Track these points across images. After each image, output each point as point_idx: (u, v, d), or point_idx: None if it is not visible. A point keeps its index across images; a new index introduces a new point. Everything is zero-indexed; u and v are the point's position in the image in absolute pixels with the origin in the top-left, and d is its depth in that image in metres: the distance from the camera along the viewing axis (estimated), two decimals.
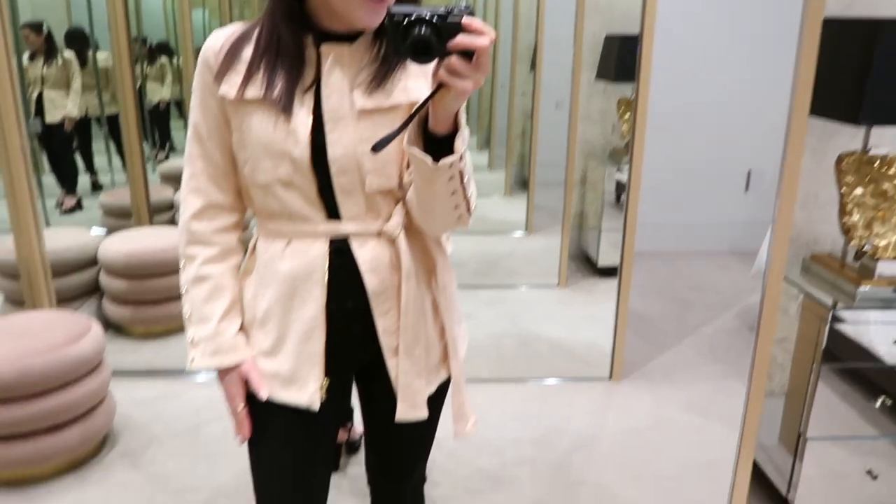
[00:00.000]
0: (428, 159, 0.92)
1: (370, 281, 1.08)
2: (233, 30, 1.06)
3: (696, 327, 3.29)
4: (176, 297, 3.09)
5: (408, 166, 1.04)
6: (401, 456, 1.28)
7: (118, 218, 3.78)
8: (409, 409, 1.12)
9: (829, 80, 1.94)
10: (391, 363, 1.12)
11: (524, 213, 4.27)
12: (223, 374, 1.12)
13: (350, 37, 1.04)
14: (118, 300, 3.07)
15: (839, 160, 2.04)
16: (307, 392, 1.09)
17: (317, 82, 1.03)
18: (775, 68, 3.98)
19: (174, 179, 4.32)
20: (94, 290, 3.20)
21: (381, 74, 1.03)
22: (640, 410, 2.58)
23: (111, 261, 3.01)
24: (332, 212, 1.06)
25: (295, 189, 1.04)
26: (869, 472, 1.94)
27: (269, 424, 1.13)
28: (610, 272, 3.47)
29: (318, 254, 1.07)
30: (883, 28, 1.84)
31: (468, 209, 1.02)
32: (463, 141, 0.93)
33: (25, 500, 2.07)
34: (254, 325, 1.12)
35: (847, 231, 2.01)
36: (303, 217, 1.06)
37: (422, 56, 0.83)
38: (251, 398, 1.12)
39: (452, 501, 2.07)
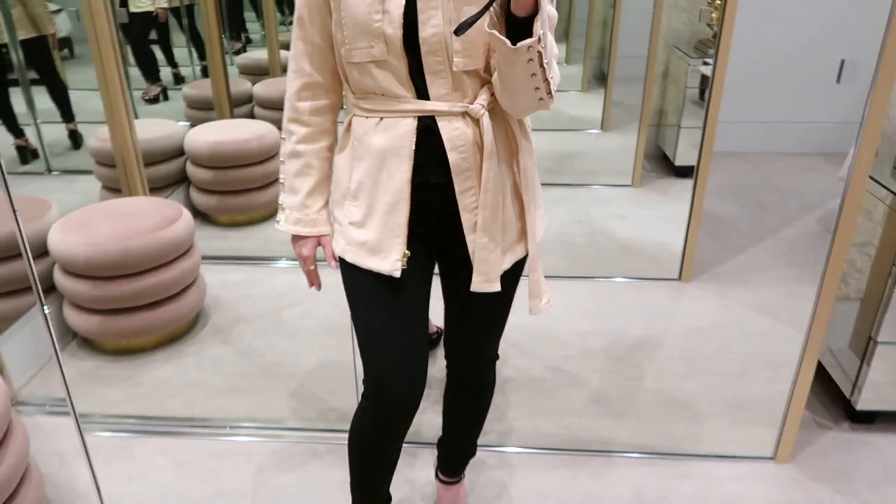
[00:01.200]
0: (506, 42, 0.95)
1: (453, 158, 1.15)
2: None
3: (773, 230, 3.20)
4: (259, 186, 3.25)
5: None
6: (477, 330, 1.38)
7: (200, 110, 3.91)
8: (484, 281, 1.20)
9: None
10: (469, 238, 1.19)
11: (600, 110, 4.15)
12: (299, 238, 1.30)
13: None
14: (204, 189, 3.24)
15: None
16: (389, 261, 1.19)
17: None
18: None
19: (251, 72, 4.39)
20: (182, 179, 3.37)
21: None
22: (708, 311, 2.59)
23: (197, 151, 3.16)
24: (422, 91, 1.13)
25: (387, 68, 1.11)
26: None
27: (364, 288, 1.25)
28: (687, 172, 3.37)
29: (406, 130, 1.14)
30: None
31: (549, 93, 1.04)
32: (542, 23, 0.95)
33: (133, 368, 2.31)
34: (347, 198, 1.22)
35: None
36: (394, 95, 1.13)
37: None
38: (344, 262, 1.25)
39: (516, 389, 2.18)
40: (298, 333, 2.47)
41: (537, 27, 0.95)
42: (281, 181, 1.29)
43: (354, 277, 1.24)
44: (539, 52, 0.97)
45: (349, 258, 1.22)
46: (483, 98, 1.13)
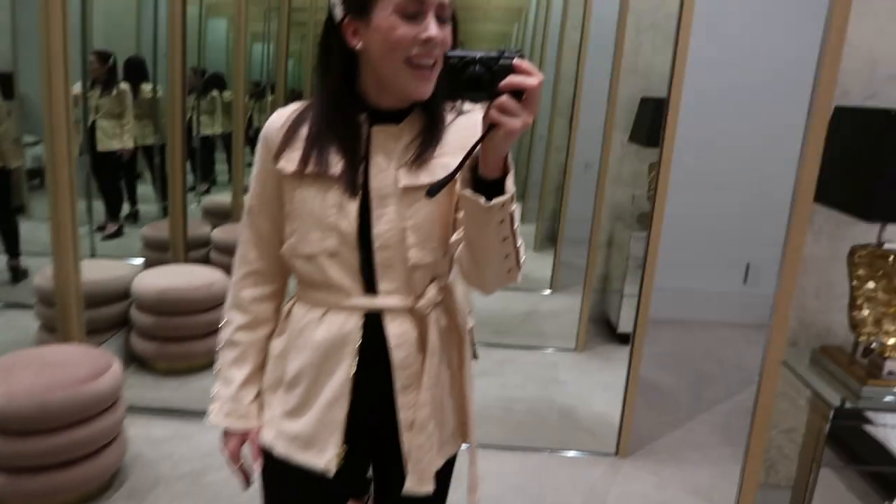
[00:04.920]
0: (481, 199, 0.96)
1: (396, 357, 1.14)
2: (293, 109, 1.17)
3: (712, 404, 3.22)
4: (201, 335, 3.21)
5: (454, 229, 1.12)
6: None
7: (157, 251, 3.94)
8: (418, 482, 1.18)
9: (843, 172, 1.93)
10: (405, 437, 1.17)
11: (550, 270, 4.28)
12: (229, 432, 1.24)
13: (399, 114, 1.12)
14: (146, 335, 3.19)
15: (852, 252, 2.02)
16: (324, 457, 1.16)
17: (366, 160, 1.11)
18: None
19: (214, 214, 4.49)
20: (124, 322, 3.32)
21: (424, 153, 1.11)
22: (643, 492, 2.53)
23: (143, 296, 3.14)
24: (370, 286, 1.14)
25: (338, 261, 1.12)
26: None
27: (285, 485, 1.21)
28: (628, 339, 3.43)
29: (352, 327, 1.14)
30: None
31: (517, 261, 1.06)
32: (512, 184, 0.98)
33: None
34: (281, 385, 1.20)
35: (856, 326, 1.98)
36: (342, 289, 1.14)
37: (476, 92, 0.91)
38: (270, 458, 1.20)
39: None
40: (219, 500, 2.34)
41: (510, 184, 0.97)
42: (215, 370, 1.26)
43: (279, 474, 1.20)
44: (511, 213, 0.98)
45: (279, 451, 1.19)
46: (431, 294, 1.15)
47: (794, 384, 2.17)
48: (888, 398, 1.86)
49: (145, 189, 4.82)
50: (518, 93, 0.88)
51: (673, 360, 3.64)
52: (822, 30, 1.82)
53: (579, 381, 3.33)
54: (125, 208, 4.67)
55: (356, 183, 1.10)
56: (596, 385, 3.29)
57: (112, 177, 4.54)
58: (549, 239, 4.67)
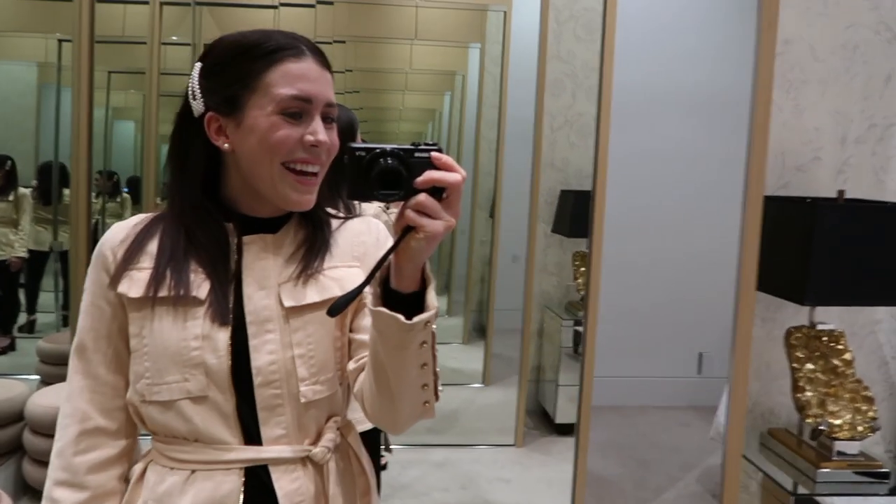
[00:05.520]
0: (400, 317, 0.77)
1: None
2: (136, 221, 0.96)
3: (657, 492, 3.16)
4: None
5: (350, 354, 0.96)
6: None
7: (55, 365, 3.58)
8: None
9: (773, 258, 1.99)
10: None
11: (482, 363, 4.20)
12: None
13: (275, 220, 0.96)
14: (41, 462, 2.83)
15: (788, 334, 2.06)
16: None
17: (237, 278, 0.92)
18: None
19: None
20: (16, 448, 2.95)
21: (310, 266, 0.94)
22: None
23: (38, 417, 2.82)
24: (252, 433, 0.91)
25: (207, 405, 0.89)
26: None
27: None
28: (567, 430, 3.37)
29: (230, 489, 0.90)
30: (820, 209, 1.88)
31: (436, 391, 0.87)
32: (435, 298, 0.81)
33: None
34: None
35: (801, 408, 1.99)
36: (214, 441, 0.90)
37: (390, 189, 0.75)
38: None
39: None
40: None
41: (432, 298, 0.80)
42: None
43: None
44: (434, 333, 0.82)
45: None
46: (329, 436, 0.95)
47: (744, 468, 2.15)
48: (842, 480, 1.86)
49: (49, 297, 4.46)
50: (437, 190, 0.74)
51: (612, 447, 3.58)
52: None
53: (522, 478, 3.20)
54: (22, 317, 4.29)
55: (226, 306, 0.90)
56: (540, 482, 3.17)
57: (3, 287, 4.18)
58: (478, 331, 4.62)
